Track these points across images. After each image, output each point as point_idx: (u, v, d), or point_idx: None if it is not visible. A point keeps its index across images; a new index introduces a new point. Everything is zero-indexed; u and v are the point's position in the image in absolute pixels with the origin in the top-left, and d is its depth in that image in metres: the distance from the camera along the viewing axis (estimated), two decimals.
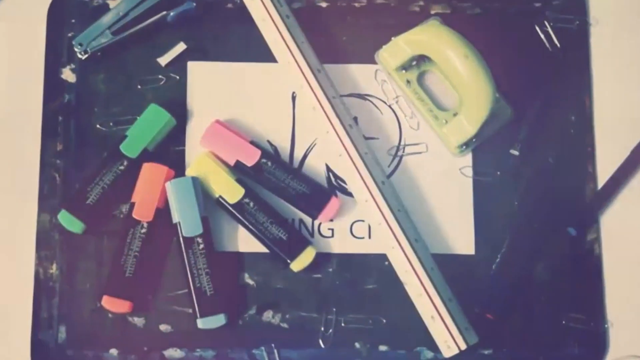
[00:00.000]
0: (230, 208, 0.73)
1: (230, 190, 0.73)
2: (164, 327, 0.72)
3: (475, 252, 0.73)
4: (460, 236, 0.74)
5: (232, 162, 0.74)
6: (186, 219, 0.71)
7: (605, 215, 0.75)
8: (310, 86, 0.74)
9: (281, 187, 0.74)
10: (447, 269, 0.72)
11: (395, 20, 0.77)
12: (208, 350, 0.72)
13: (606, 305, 0.74)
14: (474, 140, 0.75)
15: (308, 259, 0.72)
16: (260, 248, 0.73)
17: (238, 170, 0.74)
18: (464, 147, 0.75)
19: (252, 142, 0.74)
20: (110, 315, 0.72)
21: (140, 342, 0.72)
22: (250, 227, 0.73)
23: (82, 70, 0.77)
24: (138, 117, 0.74)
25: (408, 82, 0.76)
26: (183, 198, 0.71)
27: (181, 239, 0.71)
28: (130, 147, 0.73)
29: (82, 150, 0.75)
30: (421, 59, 0.75)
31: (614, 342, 0.73)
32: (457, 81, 0.73)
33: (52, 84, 0.76)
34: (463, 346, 0.70)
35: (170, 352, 0.72)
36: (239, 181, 0.73)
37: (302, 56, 0.74)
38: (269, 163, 0.74)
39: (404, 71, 0.76)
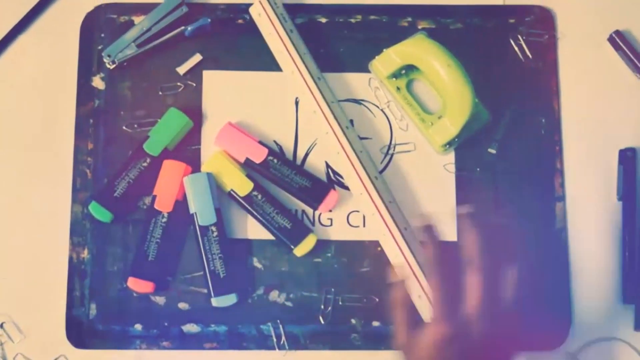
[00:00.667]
0: (241, 200, 0.74)
1: (240, 185, 0.74)
2: (182, 305, 0.73)
3: (457, 239, 0.74)
4: (444, 225, 0.74)
5: (242, 160, 0.74)
6: (202, 209, 0.72)
7: (572, 206, 0.76)
8: (312, 92, 0.75)
9: (286, 181, 0.74)
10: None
11: (386, 34, 0.78)
12: (221, 325, 0.73)
13: (571, 281, 0.75)
14: (456, 139, 0.75)
15: (310, 245, 0.73)
16: (267, 235, 0.74)
17: (248, 167, 0.75)
18: (448, 146, 0.75)
19: (260, 142, 0.75)
20: (135, 294, 0.73)
21: (161, 318, 0.73)
22: (259, 217, 0.73)
23: (110, 78, 0.77)
24: (159, 120, 0.75)
25: (398, 88, 0.76)
26: (199, 191, 0.72)
27: (197, 227, 0.72)
28: (153, 146, 0.74)
29: (110, 149, 0.76)
30: (410, 68, 0.76)
31: (578, 319, 0.74)
32: (441, 87, 0.73)
33: (84, 91, 0.77)
34: None
35: (187, 327, 0.73)
36: (248, 176, 0.74)
37: (304, 66, 0.75)
38: (275, 160, 0.74)
39: (394, 79, 0.76)
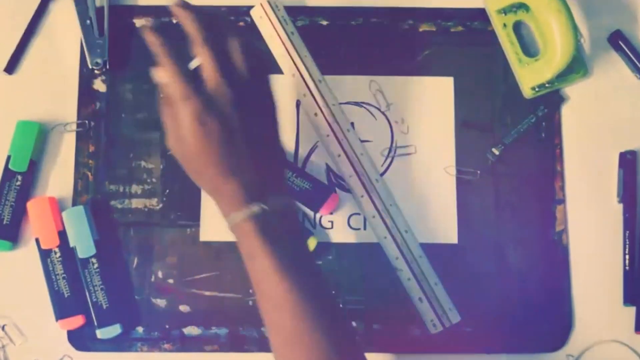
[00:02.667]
0: None
1: None
2: (183, 308, 0.73)
3: (458, 242, 0.74)
4: (444, 227, 0.74)
5: None
6: (81, 242, 0.72)
7: (572, 209, 0.76)
8: (313, 95, 0.75)
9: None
10: (433, 256, 0.73)
11: (387, 37, 0.78)
12: (222, 328, 0.73)
13: (572, 285, 0.75)
14: (547, 85, 0.76)
15: (310, 247, 0.73)
16: None
17: None
18: (537, 89, 0.76)
19: None
20: (136, 297, 0.73)
21: (162, 320, 0.73)
22: None
23: (112, 81, 0.77)
24: (13, 136, 0.74)
25: (504, 25, 0.77)
26: (77, 225, 0.72)
27: (78, 260, 0.72)
28: (18, 163, 0.74)
29: (111, 151, 0.76)
30: (520, 7, 0.78)
31: (578, 322, 0.74)
32: (547, 31, 0.74)
33: (86, 93, 0.77)
34: (447, 324, 0.71)
35: (189, 329, 0.73)
36: None
37: (306, 68, 0.76)
38: None
39: (503, 14, 0.78)
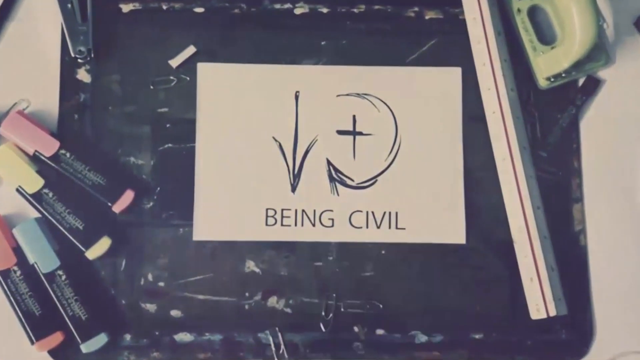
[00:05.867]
0: (29, 198, 0.70)
1: (29, 181, 0.70)
2: (174, 313, 0.71)
3: (465, 242, 0.72)
4: (451, 226, 0.72)
5: (30, 152, 0.71)
6: (41, 257, 0.69)
7: (590, 206, 0.73)
8: (496, 84, 0.73)
9: (78, 177, 0.71)
10: (438, 258, 0.72)
11: (391, 25, 0.76)
12: (216, 334, 0.71)
13: (592, 289, 0.73)
14: (563, 75, 0.74)
15: (103, 247, 0.70)
16: (265, 237, 0.72)
17: (38, 161, 0.71)
18: (553, 79, 0.74)
19: (52, 134, 0.72)
20: (123, 301, 0.71)
21: (152, 327, 0.71)
22: (48, 216, 0.70)
23: (97, 71, 0.75)
24: None
25: (519, 10, 0.75)
26: (32, 239, 0.70)
27: (42, 276, 0.69)
28: None
29: (98, 146, 0.73)
30: None
31: (600, 328, 0.72)
32: (565, 16, 0.71)
33: (68, 84, 0.74)
34: (553, 312, 0.69)
35: (180, 336, 0.71)
36: (39, 172, 0.71)
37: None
38: (68, 154, 0.71)
39: None
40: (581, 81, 0.75)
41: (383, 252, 0.72)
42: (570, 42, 0.71)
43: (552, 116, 0.75)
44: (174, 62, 0.74)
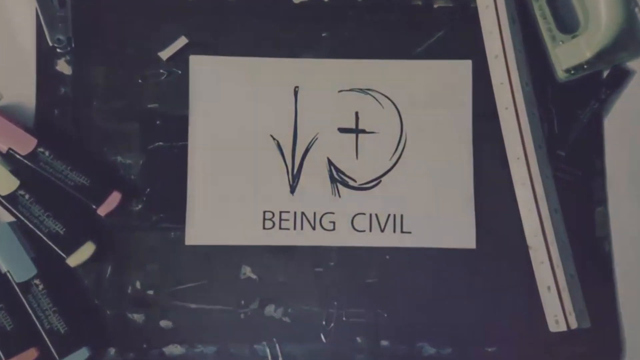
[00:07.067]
0: (2, 200, 0.68)
1: (2, 181, 0.68)
2: (164, 323, 0.70)
3: (476, 247, 0.70)
4: (460, 230, 0.71)
5: (4, 150, 0.69)
6: (14, 265, 0.66)
7: (615, 213, 0.72)
8: (510, 78, 0.70)
9: (59, 178, 0.69)
10: (447, 264, 0.70)
11: (396, 15, 0.74)
12: (210, 346, 0.69)
13: (619, 302, 0.71)
14: (585, 66, 0.71)
15: (86, 253, 0.68)
16: (262, 241, 0.70)
17: (12, 160, 0.69)
18: (573, 72, 0.71)
19: (29, 131, 0.69)
20: (108, 312, 0.69)
21: (139, 339, 0.69)
22: (25, 220, 0.67)
23: (79, 62, 0.72)
24: None
25: None
26: (5, 246, 0.67)
27: (16, 286, 0.66)
28: None
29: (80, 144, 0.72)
30: None
31: (631, 346, 0.70)
32: (590, 3, 0.69)
33: (46, 76, 0.72)
34: (574, 325, 0.66)
35: (170, 348, 0.69)
36: (13, 172, 0.68)
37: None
38: (47, 153, 0.69)
39: None
40: (606, 73, 0.72)
41: (387, 257, 0.71)
42: (595, 28, 0.69)
43: (572, 112, 0.73)
44: (164, 54, 0.72)
